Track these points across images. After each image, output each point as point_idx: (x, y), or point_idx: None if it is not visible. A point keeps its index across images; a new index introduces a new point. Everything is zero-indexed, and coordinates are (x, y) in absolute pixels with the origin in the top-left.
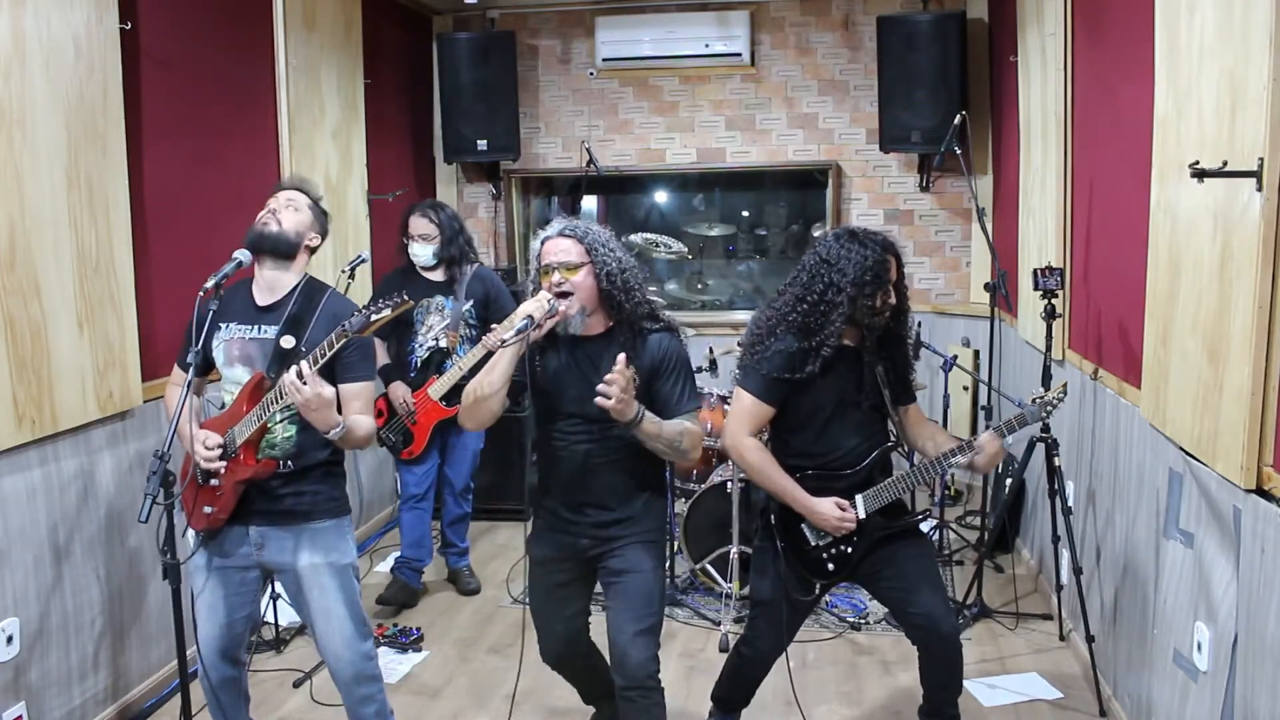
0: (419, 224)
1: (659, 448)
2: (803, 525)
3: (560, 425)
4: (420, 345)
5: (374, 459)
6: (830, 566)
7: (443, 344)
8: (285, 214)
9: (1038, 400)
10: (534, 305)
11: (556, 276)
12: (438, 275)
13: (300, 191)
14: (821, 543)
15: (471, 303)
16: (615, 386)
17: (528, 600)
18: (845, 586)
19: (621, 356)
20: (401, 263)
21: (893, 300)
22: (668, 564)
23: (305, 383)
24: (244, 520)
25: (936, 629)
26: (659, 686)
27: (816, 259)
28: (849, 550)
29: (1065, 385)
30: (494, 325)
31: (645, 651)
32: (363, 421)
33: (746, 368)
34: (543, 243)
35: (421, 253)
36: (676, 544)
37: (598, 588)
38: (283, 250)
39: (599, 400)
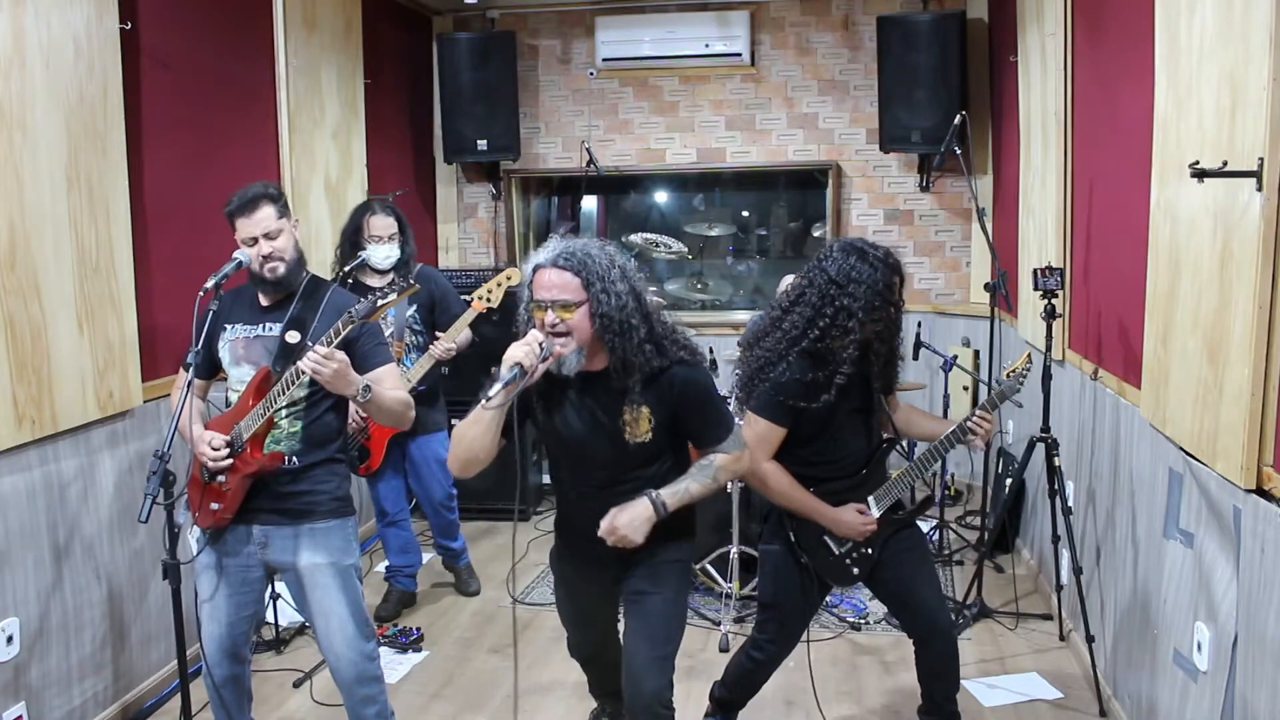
0: (383, 223)
1: (701, 499)
2: (825, 536)
3: (577, 470)
4: None
5: None
6: (855, 570)
7: None
8: (278, 247)
9: (1011, 374)
10: (523, 352)
11: (551, 316)
12: (383, 279)
13: (266, 203)
14: (843, 549)
15: (415, 307)
16: (614, 538)
17: (551, 603)
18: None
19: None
20: (338, 272)
21: (895, 315)
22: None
23: (327, 358)
24: (248, 519)
25: (934, 622)
26: (670, 715)
27: (825, 278)
28: (870, 551)
29: (1029, 355)
30: (439, 334)
31: (660, 679)
32: (398, 395)
33: (760, 394)
34: (535, 271)
35: (390, 254)
36: None
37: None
38: (296, 281)
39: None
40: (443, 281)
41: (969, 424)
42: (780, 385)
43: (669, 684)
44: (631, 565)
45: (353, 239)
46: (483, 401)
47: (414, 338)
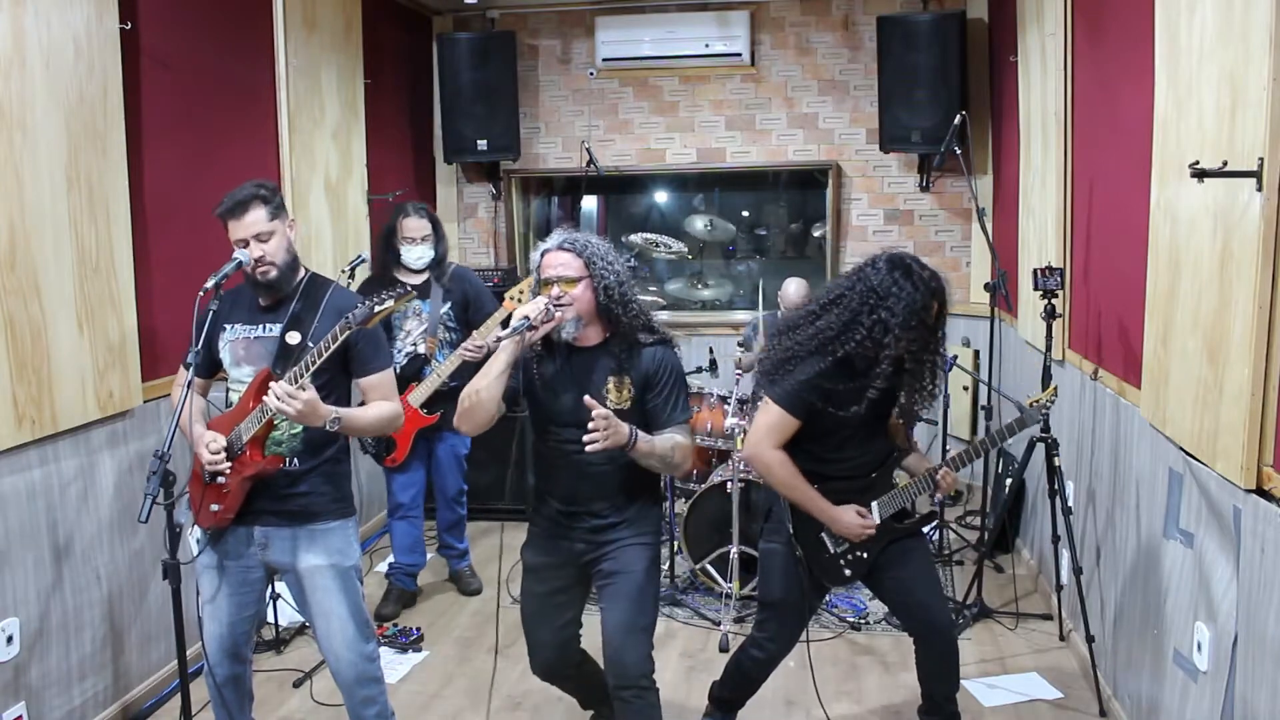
0: (416, 225)
1: (652, 464)
2: (822, 533)
3: (556, 432)
4: (399, 351)
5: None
6: (847, 572)
7: (421, 350)
8: (269, 251)
9: (1035, 404)
10: (531, 308)
11: (556, 290)
12: (418, 279)
13: (257, 205)
14: (839, 549)
15: (449, 305)
16: (598, 434)
17: (519, 602)
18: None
19: (595, 409)
20: (375, 271)
21: (932, 338)
22: (666, 564)
23: (291, 396)
24: (249, 520)
25: (933, 621)
26: (654, 686)
27: (865, 287)
28: (865, 555)
29: (1055, 388)
30: (475, 331)
31: (638, 651)
32: (383, 408)
33: (784, 384)
34: (542, 255)
35: (423, 254)
36: (676, 544)
37: (592, 595)
38: (289, 284)
39: (589, 448)
40: (476, 281)
41: (937, 477)
42: (806, 382)
43: (648, 656)
44: (601, 545)
45: (388, 240)
46: (491, 340)
47: (448, 334)
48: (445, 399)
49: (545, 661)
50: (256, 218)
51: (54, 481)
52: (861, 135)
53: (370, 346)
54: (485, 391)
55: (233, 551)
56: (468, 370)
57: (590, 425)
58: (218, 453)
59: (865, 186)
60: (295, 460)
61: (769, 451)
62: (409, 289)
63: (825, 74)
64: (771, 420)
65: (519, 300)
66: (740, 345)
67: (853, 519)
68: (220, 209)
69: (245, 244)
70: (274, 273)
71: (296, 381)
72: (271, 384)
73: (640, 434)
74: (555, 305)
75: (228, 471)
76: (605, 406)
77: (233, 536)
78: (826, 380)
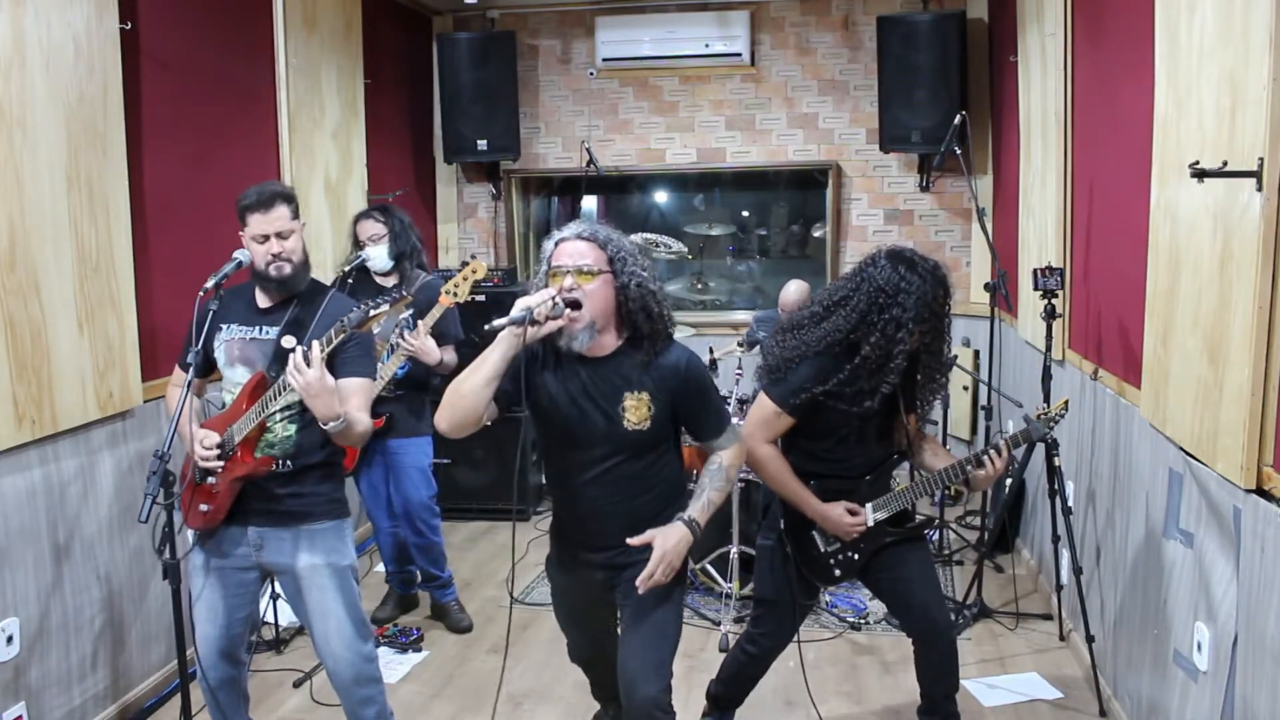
0: (367, 227)
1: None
2: (813, 531)
3: (571, 457)
4: None
5: None
6: (837, 572)
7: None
8: (289, 247)
9: (1042, 416)
10: (536, 299)
11: (569, 281)
12: (389, 280)
13: (280, 202)
14: (830, 548)
15: (411, 312)
16: (657, 573)
17: (550, 603)
18: (846, 585)
19: (638, 542)
20: (345, 275)
21: (942, 327)
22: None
23: (310, 365)
24: (243, 521)
25: (933, 622)
26: (670, 719)
27: (872, 286)
28: (855, 556)
29: (1066, 401)
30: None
31: (656, 685)
32: (360, 418)
33: (784, 382)
34: (556, 244)
35: (376, 255)
36: None
37: None
38: (300, 283)
39: (642, 588)
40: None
41: (984, 456)
42: (807, 384)
43: (667, 688)
44: (623, 569)
45: (351, 252)
46: (485, 327)
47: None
48: (389, 403)
49: (580, 655)
50: (282, 214)
51: (54, 481)
52: (861, 135)
53: (359, 351)
54: (471, 395)
55: (227, 552)
56: (415, 380)
57: (644, 574)
58: (211, 448)
59: (865, 186)
60: (287, 462)
61: (760, 446)
62: (403, 294)
63: (825, 74)
64: (765, 416)
65: (454, 294)
66: (740, 345)
67: (842, 517)
68: (247, 201)
69: (265, 239)
70: (289, 268)
71: (308, 360)
72: (294, 352)
73: (693, 517)
74: (565, 300)
75: (219, 471)
76: (624, 429)
77: (227, 537)
78: (836, 383)
